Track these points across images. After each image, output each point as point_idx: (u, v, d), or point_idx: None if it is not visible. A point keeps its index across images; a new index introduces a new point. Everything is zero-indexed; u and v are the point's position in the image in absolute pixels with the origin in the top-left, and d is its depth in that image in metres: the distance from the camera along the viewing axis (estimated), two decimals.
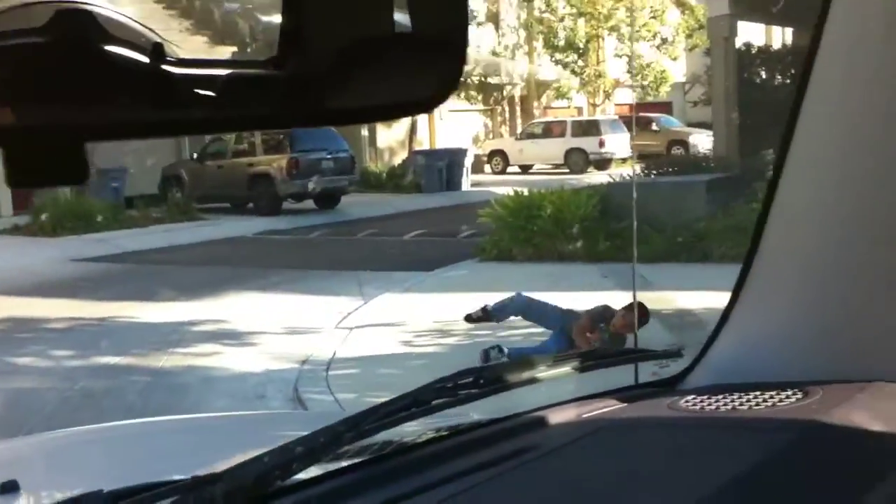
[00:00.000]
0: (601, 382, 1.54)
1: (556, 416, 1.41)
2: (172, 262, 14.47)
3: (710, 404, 1.35)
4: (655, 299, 8.93)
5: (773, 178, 1.46)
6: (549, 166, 29.38)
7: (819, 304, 1.44)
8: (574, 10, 29.91)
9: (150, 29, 0.75)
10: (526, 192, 13.10)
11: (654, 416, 1.39)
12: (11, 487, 1.43)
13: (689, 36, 30.97)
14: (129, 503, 1.16)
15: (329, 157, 21.00)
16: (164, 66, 0.72)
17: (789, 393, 1.34)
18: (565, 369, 1.47)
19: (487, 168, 30.13)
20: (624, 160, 27.66)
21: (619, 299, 9.07)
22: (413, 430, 1.38)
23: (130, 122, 0.74)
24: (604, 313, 7.37)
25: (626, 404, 1.47)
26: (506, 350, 7.17)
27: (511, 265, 12.07)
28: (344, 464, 1.27)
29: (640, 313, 7.15)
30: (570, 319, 7.47)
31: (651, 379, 1.63)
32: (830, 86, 1.39)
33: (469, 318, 8.00)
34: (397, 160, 27.85)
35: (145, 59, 0.72)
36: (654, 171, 16.50)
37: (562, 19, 30.38)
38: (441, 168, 24.12)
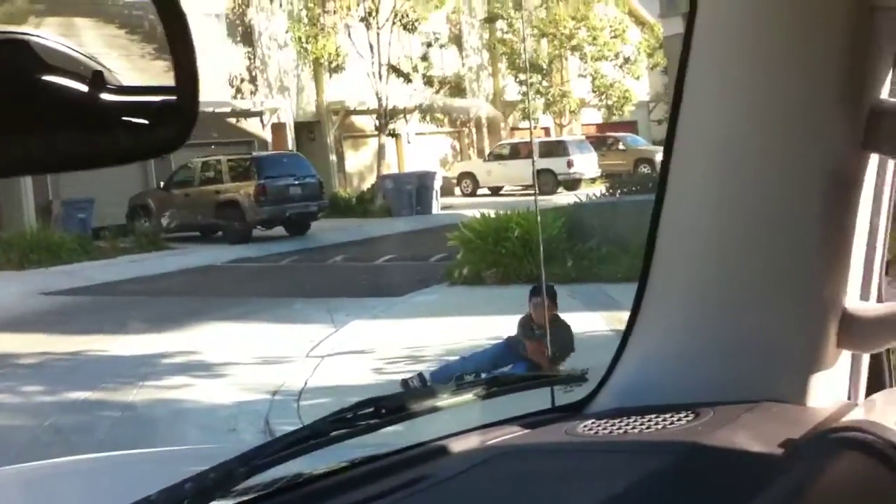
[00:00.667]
0: (519, 406, 1.58)
1: (457, 445, 1.42)
2: (142, 294, 14.40)
3: (605, 428, 1.40)
4: (622, 319, 9.03)
5: (656, 208, 1.50)
6: (519, 187, 29.54)
7: (711, 327, 1.48)
8: (536, 31, 30.19)
9: (91, 58, 0.78)
10: (493, 215, 13.20)
11: (550, 441, 1.42)
12: None
13: (650, 55, 31.34)
14: None
15: (297, 182, 21.02)
16: (103, 95, 0.75)
17: (682, 415, 1.38)
18: (467, 397, 1.48)
19: (457, 190, 30.20)
20: (593, 180, 27.83)
21: (587, 319, 9.19)
22: (313, 463, 1.37)
23: (67, 151, 0.76)
24: (527, 324, 7.47)
25: (527, 430, 1.49)
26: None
27: (481, 288, 12.14)
28: (242, 499, 1.27)
29: (548, 295, 7.35)
30: (514, 345, 7.54)
31: (567, 399, 1.66)
32: (702, 105, 1.43)
33: (405, 386, 7.67)
34: (366, 185, 27.88)
35: (83, 88, 0.74)
36: (621, 191, 16.65)
37: (524, 40, 30.61)
38: (410, 191, 24.18)
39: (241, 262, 17.81)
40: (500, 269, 12.28)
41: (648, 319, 1.55)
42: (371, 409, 1.35)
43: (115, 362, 9.50)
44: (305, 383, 8.13)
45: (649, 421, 1.38)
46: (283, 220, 20.94)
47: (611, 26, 30.75)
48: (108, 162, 0.84)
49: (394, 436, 1.46)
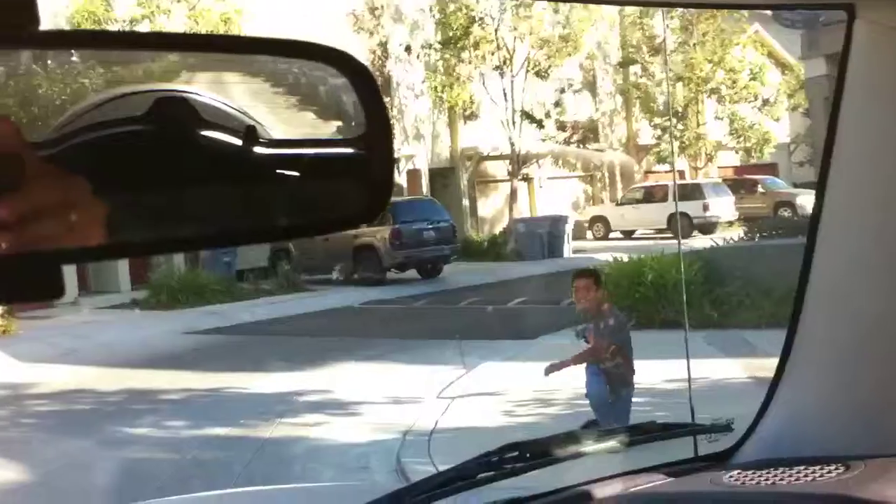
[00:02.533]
0: (662, 454, 1.56)
1: (601, 490, 1.41)
2: (281, 333, 14.83)
3: (752, 479, 1.37)
4: (762, 366, 8.73)
5: (805, 263, 1.47)
6: (652, 231, 29.07)
7: (863, 381, 1.45)
8: (672, 75, 29.85)
9: (244, 112, 0.81)
10: (626, 259, 13.02)
11: (695, 490, 1.40)
12: None
13: (790, 96, 30.49)
14: None
15: (430, 227, 21.34)
16: (256, 148, 0.78)
17: (832, 468, 1.35)
18: (611, 444, 1.48)
19: (589, 234, 29.99)
20: (730, 223, 27.15)
21: (725, 367, 8.92)
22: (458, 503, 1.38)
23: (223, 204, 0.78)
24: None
25: (672, 479, 1.48)
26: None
27: None
28: None
29: (595, 282, 7.57)
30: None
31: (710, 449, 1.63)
32: (852, 160, 1.40)
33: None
34: (498, 229, 28.03)
35: (237, 142, 0.78)
36: (760, 234, 16.18)
37: (659, 84, 30.33)
38: (542, 235, 24.16)
39: (375, 303, 18.13)
40: (634, 313, 12.06)
41: (797, 371, 1.52)
42: (516, 453, 1.38)
43: (254, 399, 9.80)
44: (436, 423, 8.17)
45: (798, 473, 1.36)
46: (417, 263, 21.25)
47: (749, 68, 30.11)
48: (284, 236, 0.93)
49: (537, 480, 1.46)
